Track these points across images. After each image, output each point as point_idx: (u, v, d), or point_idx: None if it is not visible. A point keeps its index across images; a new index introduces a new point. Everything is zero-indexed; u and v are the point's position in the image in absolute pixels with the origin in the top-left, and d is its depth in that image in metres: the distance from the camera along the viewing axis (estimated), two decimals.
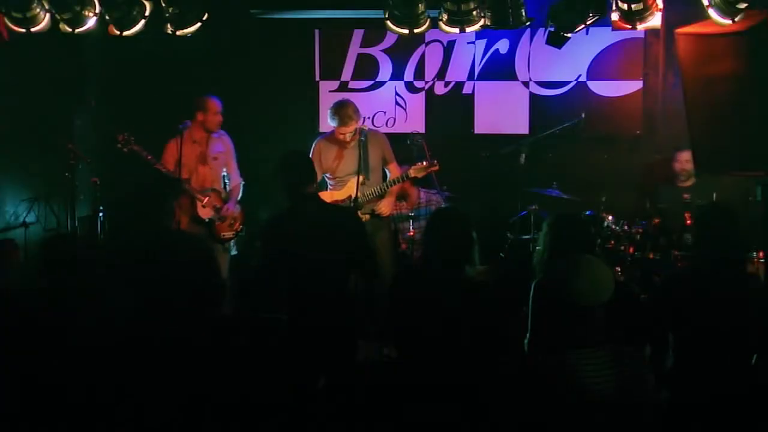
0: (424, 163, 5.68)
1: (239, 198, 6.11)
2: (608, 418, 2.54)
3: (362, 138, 5.63)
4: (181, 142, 5.72)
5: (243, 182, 6.16)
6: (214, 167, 5.97)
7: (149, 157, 5.70)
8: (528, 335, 3.62)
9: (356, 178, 5.50)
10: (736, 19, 4.79)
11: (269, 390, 3.78)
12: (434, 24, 5.35)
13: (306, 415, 3.90)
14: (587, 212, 5.98)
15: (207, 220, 5.86)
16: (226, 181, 6.09)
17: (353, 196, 5.51)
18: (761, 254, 5.36)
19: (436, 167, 5.69)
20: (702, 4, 4.89)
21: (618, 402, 2.55)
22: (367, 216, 5.63)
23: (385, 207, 5.72)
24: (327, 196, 5.68)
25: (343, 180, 5.77)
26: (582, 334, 2.60)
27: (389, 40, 7.29)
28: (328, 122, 5.75)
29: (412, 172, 5.71)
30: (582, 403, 2.53)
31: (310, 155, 5.70)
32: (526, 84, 7.25)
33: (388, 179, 5.81)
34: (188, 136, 5.84)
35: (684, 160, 6.15)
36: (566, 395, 2.54)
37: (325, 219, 4.17)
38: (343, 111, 5.63)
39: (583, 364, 2.56)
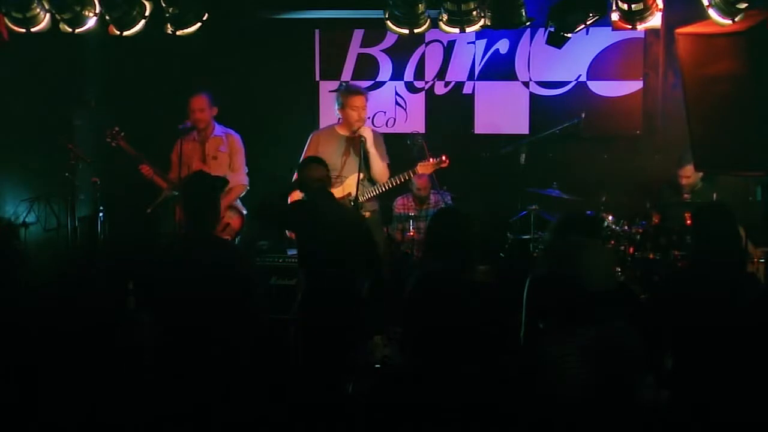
0: (433, 160, 5.67)
1: (237, 201, 6.04)
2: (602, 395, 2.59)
3: (363, 138, 5.62)
4: (182, 142, 5.73)
5: (248, 186, 6.08)
6: (212, 166, 5.86)
7: (135, 154, 5.82)
8: (522, 329, 3.60)
9: (356, 176, 5.48)
10: (736, 19, 4.79)
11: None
12: (434, 24, 5.35)
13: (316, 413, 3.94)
14: (587, 212, 5.98)
15: None
16: None
17: (353, 194, 5.50)
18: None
19: (446, 163, 5.68)
20: (702, 4, 4.88)
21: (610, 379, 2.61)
22: (368, 213, 5.64)
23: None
24: None
25: (342, 177, 5.73)
26: (581, 315, 2.65)
27: (389, 40, 7.29)
28: (341, 98, 5.77)
29: (419, 169, 5.70)
30: (579, 381, 2.58)
31: (305, 148, 5.78)
32: (526, 84, 7.25)
33: (391, 177, 5.78)
34: (192, 135, 5.87)
35: (686, 175, 6.08)
36: (565, 372, 2.59)
37: (339, 214, 4.68)
38: (356, 87, 5.80)
39: (578, 342, 2.61)
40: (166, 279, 3.81)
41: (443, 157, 5.68)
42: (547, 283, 2.85)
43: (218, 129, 6.05)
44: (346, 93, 5.70)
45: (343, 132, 5.73)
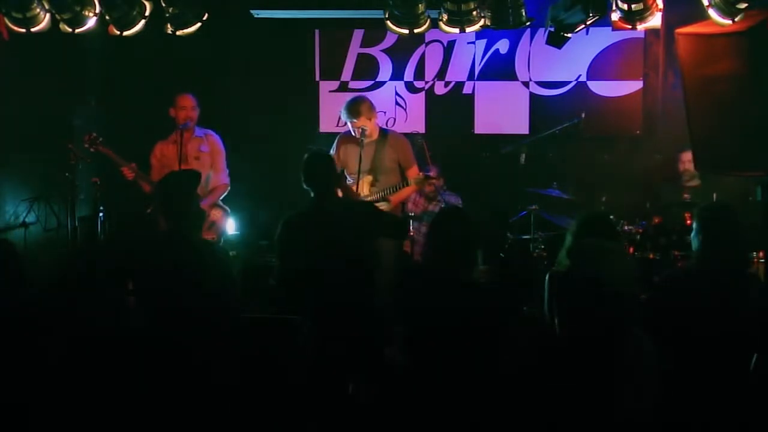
0: (422, 174, 5.70)
1: (220, 200, 6.03)
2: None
3: (362, 138, 5.62)
4: (182, 141, 5.74)
5: (229, 186, 6.08)
6: (194, 167, 5.74)
7: (117, 158, 5.79)
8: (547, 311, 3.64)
9: (364, 177, 5.59)
10: (736, 19, 4.79)
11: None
12: (434, 24, 5.35)
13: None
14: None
15: None
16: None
17: (362, 195, 5.55)
18: (761, 254, 5.36)
19: (436, 180, 5.72)
20: (702, 4, 4.89)
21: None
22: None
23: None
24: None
25: (354, 178, 5.77)
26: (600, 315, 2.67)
27: (389, 40, 7.30)
28: (342, 117, 5.80)
29: (411, 181, 5.72)
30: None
31: (332, 150, 5.84)
32: (526, 84, 7.25)
33: (390, 186, 5.77)
34: (171, 137, 5.89)
35: (687, 160, 6.12)
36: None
37: (344, 219, 4.28)
38: (353, 106, 5.69)
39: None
40: (145, 280, 3.81)
41: (434, 175, 5.72)
42: (568, 283, 2.86)
43: (197, 130, 6.06)
44: (343, 110, 5.74)
45: (353, 132, 5.80)
